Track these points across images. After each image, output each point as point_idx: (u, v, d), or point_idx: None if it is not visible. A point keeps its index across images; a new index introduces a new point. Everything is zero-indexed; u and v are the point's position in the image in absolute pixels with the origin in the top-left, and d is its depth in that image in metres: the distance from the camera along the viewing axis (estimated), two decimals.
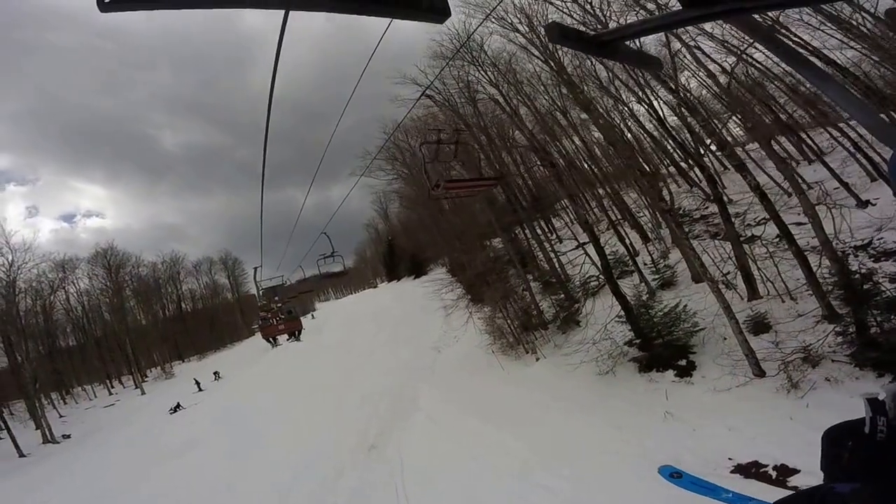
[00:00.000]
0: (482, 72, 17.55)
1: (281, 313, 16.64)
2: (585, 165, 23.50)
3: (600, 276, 17.44)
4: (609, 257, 16.93)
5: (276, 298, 16.52)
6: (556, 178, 15.28)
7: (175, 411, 24.81)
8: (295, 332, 18.80)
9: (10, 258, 28.61)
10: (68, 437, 25.48)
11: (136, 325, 42.39)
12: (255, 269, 17.40)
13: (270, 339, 20.20)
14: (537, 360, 14.37)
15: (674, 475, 4.17)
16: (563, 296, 17.24)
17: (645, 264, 16.75)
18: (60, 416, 30.15)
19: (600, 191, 23.56)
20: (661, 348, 11.61)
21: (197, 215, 68.55)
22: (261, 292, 16.29)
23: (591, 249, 19.60)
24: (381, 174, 28.02)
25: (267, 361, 30.70)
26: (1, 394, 29.21)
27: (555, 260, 19.09)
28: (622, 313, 12.32)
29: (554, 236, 25.56)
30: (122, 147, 72.55)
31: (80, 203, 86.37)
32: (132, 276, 43.68)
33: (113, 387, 37.30)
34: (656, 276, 15.48)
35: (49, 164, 73.29)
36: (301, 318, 21.74)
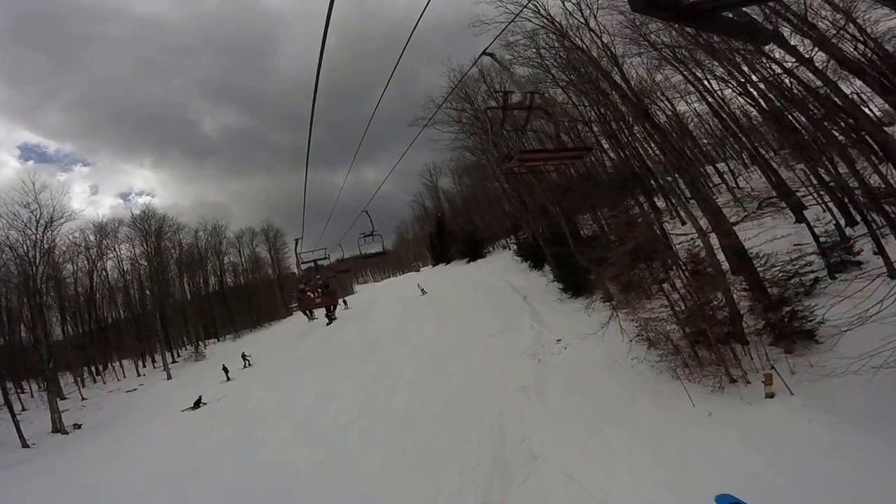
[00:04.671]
0: None
1: (318, 287, 14.36)
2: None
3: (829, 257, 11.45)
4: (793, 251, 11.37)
5: (318, 276, 14.11)
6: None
7: (196, 407, 20.57)
8: (331, 307, 17.72)
9: (38, 213, 25.51)
10: (79, 426, 22.04)
11: (175, 299, 40.20)
12: (297, 240, 15.61)
13: (307, 312, 19.58)
14: (768, 395, 8.38)
15: None
16: (750, 292, 11.18)
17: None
18: (82, 399, 27.30)
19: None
20: None
21: (239, 195, 69.72)
22: (301, 265, 13.74)
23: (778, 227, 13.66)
24: (444, 128, 23.58)
25: (304, 350, 26.16)
26: (20, 373, 26.71)
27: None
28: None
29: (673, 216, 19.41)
30: (166, 132, 76.12)
31: (133, 183, 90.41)
32: (174, 242, 41.28)
33: (144, 366, 34.32)
34: None
35: (105, 149, 76.91)
36: (339, 298, 20.22)
